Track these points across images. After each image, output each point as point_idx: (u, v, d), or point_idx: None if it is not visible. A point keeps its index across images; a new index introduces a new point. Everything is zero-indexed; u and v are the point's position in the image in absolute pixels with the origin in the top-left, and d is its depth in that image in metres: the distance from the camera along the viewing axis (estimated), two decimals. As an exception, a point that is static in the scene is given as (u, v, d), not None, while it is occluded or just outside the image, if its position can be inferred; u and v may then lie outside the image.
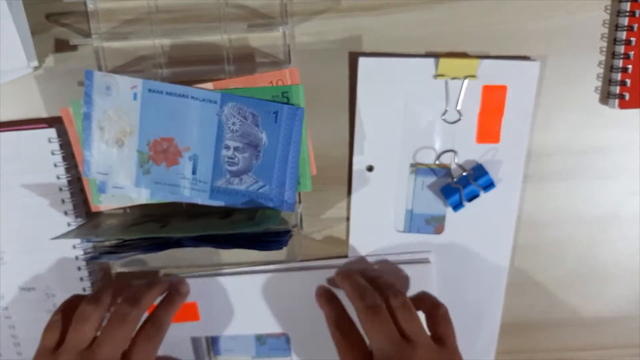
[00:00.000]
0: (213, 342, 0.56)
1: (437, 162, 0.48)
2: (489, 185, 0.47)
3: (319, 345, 0.53)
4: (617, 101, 0.46)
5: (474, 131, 0.47)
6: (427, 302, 0.45)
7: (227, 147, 0.44)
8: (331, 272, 0.51)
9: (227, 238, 0.43)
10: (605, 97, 0.47)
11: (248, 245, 0.43)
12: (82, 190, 0.48)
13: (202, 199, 0.45)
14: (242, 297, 0.52)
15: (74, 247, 0.49)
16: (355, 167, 0.48)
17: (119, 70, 0.46)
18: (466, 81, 0.45)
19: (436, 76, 0.45)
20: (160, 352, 0.44)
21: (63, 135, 0.46)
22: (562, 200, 0.50)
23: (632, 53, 0.44)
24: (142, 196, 0.45)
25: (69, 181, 0.47)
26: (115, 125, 0.43)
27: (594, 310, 0.53)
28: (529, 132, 0.47)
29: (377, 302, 0.43)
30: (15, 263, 0.49)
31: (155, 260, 0.50)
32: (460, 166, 0.48)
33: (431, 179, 0.49)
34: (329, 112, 0.47)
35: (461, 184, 0.47)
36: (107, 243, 0.45)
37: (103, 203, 0.47)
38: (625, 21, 0.44)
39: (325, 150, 0.48)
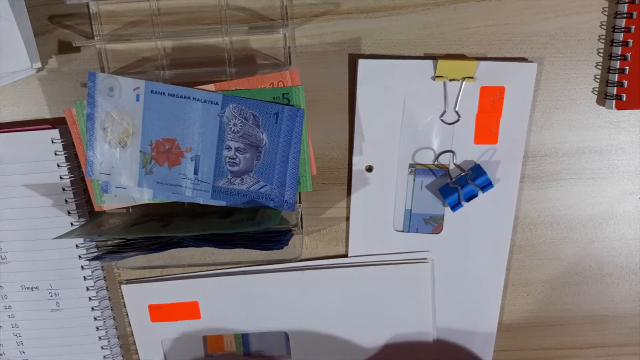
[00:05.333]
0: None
1: (435, 163, 0.48)
2: (487, 185, 0.47)
3: (319, 344, 0.53)
4: (614, 102, 0.46)
5: (472, 132, 0.47)
6: None
7: (229, 148, 0.44)
8: (331, 272, 0.51)
9: (228, 238, 0.43)
10: (602, 98, 0.47)
11: (249, 245, 0.43)
12: (85, 190, 0.48)
13: (204, 199, 0.45)
14: (242, 296, 0.52)
15: (77, 246, 0.49)
16: (354, 167, 0.48)
17: (121, 71, 0.46)
18: (464, 82, 0.45)
19: (435, 77, 0.45)
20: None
21: (66, 136, 0.46)
22: (559, 200, 0.50)
23: (629, 54, 0.45)
24: (145, 196, 0.45)
25: (72, 181, 0.47)
26: (118, 126, 0.44)
27: (591, 309, 0.54)
28: (527, 132, 0.48)
29: None
30: (18, 262, 0.50)
31: (157, 259, 0.51)
32: (458, 166, 0.48)
33: (430, 179, 0.49)
34: (328, 113, 0.48)
35: (459, 184, 0.47)
36: (109, 242, 0.45)
37: (106, 203, 0.47)
38: (622, 23, 0.44)
39: (325, 150, 0.49)
